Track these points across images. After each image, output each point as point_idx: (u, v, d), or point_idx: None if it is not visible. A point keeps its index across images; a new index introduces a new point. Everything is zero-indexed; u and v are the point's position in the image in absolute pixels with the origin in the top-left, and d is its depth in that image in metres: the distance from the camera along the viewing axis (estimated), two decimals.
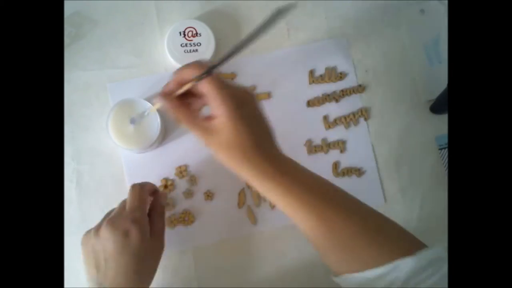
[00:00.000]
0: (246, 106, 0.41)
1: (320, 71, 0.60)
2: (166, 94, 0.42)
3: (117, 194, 0.56)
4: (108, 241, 0.44)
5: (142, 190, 0.48)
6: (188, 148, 0.58)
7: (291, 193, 0.41)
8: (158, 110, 0.51)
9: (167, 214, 0.56)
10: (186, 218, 0.56)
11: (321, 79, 0.60)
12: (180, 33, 0.57)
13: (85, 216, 0.55)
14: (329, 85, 0.60)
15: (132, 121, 0.53)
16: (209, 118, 0.41)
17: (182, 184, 0.57)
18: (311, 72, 0.60)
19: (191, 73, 0.40)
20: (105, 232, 0.44)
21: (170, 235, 0.56)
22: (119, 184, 0.56)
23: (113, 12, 0.59)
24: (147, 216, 0.47)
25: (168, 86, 0.42)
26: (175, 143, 0.57)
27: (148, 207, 0.49)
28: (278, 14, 0.37)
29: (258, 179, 0.41)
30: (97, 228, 0.45)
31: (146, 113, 0.52)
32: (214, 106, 0.40)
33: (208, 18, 0.58)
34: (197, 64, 0.41)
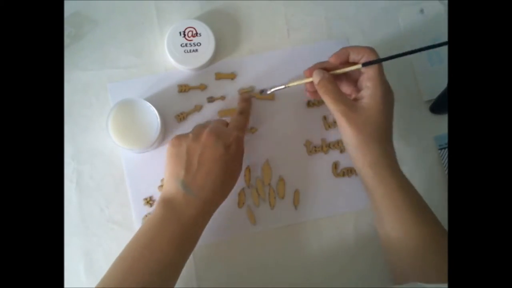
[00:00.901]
0: (390, 95, 0.47)
1: None
2: (323, 69, 0.47)
3: (117, 194, 0.56)
4: (210, 148, 0.46)
5: (248, 116, 0.53)
6: None
7: (399, 189, 0.45)
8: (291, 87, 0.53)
9: None
10: None
11: None
12: (180, 33, 0.57)
13: (85, 216, 0.55)
14: None
15: (264, 92, 0.55)
16: (355, 98, 0.47)
17: None
18: None
19: (358, 55, 0.46)
20: (209, 139, 0.46)
21: None
22: (119, 184, 0.56)
23: (113, 12, 0.59)
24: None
25: (330, 60, 0.48)
26: None
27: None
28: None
29: (380, 165, 0.45)
30: (198, 134, 0.47)
31: (279, 88, 0.53)
32: (370, 85, 0.45)
33: (208, 18, 0.58)
34: (369, 48, 0.46)
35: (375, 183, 0.46)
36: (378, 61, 0.45)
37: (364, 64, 0.45)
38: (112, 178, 0.56)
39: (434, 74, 0.61)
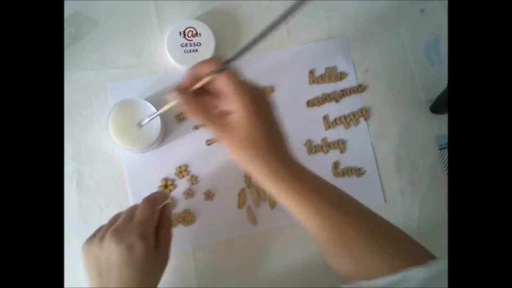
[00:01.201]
0: (262, 103, 0.41)
1: (320, 71, 0.60)
2: (181, 90, 0.41)
3: (117, 194, 0.56)
4: (111, 254, 0.42)
5: (154, 204, 0.47)
6: (188, 148, 0.58)
7: (302, 197, 0.41)
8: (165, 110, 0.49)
9: None
10: (186, 218, 0.56)
11: (321, 79, 0.60)
12: (180, 33, 0.57)
13: (85, 216, 0.55)
14: (329, 85, 0.60)
15: (139, 125, 0.52)
16: (224, 113, 0.40)
17: (182, 184, 0.57)
18: (311, 72, 0.60)
19: (208, 68, 0.39)
20: (109, 244, 0.42)
21: None
22: (119, 184, 0.56)
23: (113, 12, 0.59)
24: (153, 230, 0.45)
25: (183, 81, 0.41)
26: (175, 143, 0.57)
27: (156, 220, 0.47)
28: (297, 5, 0.36)
29: (270, 179, 0.41)
30: (101, 237, 0.44)
31: (153, 116, 0.50)
32: (231, 100, 0.39)
33: (208, 18, 0.58)
34: (213, 59, 0.40)
35: (278, 198, 0.42)
36: (225, 64, 0.39)
37: (209, 74, 0.39)
38: (112, 178, 0.56)
39: (434, 74, 0.61)
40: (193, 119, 0.54)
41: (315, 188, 0.43)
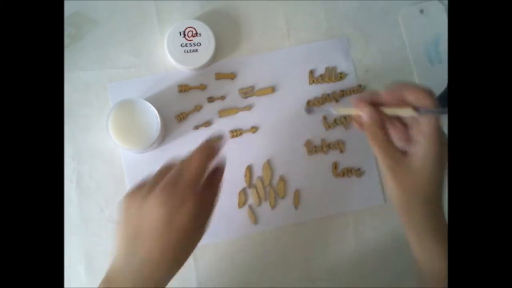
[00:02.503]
0: (445, 153, 0.38)
1: (320, 71, 0.60)
2: (372, 105, 0.38)
3: (117, 194, 0.56)
4: (157, 211, 0.36)
5: (208, 159, 0.39)
6: (188, 148, 0.57)
7: (441, 256, 0.39)
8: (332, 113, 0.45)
9: None
10: None
11: (321, 79, 0.60)
12: (180, 33, 0.57)
13: (85, 216, 0.55)
14: (329, 85, 0.60)
15: (309, 111, 0.50)
16: (405, 152, 0.38)
17: None
18: (311, 72, 0.60)
19: (417, 98, 0.36)
20: (156, 200, 0.36)
21: None
22: (119, 184, 0.56)
23: (113, 12, 0.59)
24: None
25: (380, 96, 0.38)
26: (175, 143, 0.57)
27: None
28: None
29: (424, 231, 0.39)
30: (148, 191, 0.37)
31: (333, 112, 0.44)
32: (424, 143, 0.36)
33: (208, 18, 0.58)
34: (429, 92, 0.37)
35: (416, 247, 0.41)
36: (437, 112, 0.36)
37: (419, 112, 0.36)
38: (112, 178, 0.56)
39: (434, 74, 0.61)
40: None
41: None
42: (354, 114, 0.40)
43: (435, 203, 0.39)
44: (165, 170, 0.40)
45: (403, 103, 0.37)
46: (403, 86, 0.38)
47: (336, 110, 0.43)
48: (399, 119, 0.39)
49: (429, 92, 0.37)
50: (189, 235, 0.38)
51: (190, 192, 0.37)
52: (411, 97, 0.37)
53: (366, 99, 0.38)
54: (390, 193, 0.39)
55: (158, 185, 0.37)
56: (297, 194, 0.58)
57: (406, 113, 0.37)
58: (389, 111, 0.38)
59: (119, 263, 0.39)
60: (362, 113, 0.38)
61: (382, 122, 0.38)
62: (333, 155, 0.59)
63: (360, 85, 0.60)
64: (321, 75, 0.60)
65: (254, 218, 0.57)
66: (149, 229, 0.37)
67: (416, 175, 0.37)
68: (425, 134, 0.36)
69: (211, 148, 0.41)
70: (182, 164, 0.40)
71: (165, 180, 0.38)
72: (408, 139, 0.39)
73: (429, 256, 0.40)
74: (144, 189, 0.38)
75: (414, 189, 0.38)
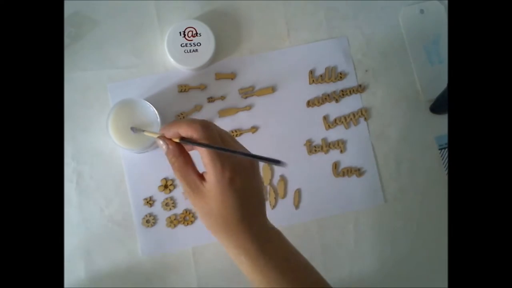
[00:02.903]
0: (242, 177, 0.38)
1: (320, 71, 0.60)
2: (167, 139, 0.39)
3: (117, 194, 0.56)
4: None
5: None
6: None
7: (261, 270, 0.40)
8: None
9: (167, 214, 0.56)
10: (187, 218, 0.56)
11: (321, 79, 0.60)
12: (180, 33, 0.57)
13: (85, 216, 0.55)
14: (329, 85, 0.60)
15: (133, 130, 0.51)
16: (203, 177, 0.39)
17: None
18: (311, 72, 0.60)
19: (190, 131, 0.37)
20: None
21: (170, 235, 0.56)
22: (119, 184, 0.56)
23: (113, 12, 0.59)
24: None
25: (168, 129, 0.39)
26: None
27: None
28: (272, 162, 0.36)
29: (234, 250, 0.40)
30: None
31: (145, 133, 0.48)
32: (207, 170, 0.37)
33: (208, 18, 0.58)
34: (196, 125, 0.37)
35: (246, 274, 0.42)
36: (199, 144, 0.37)
37: (182, 139, 0.38)
38: (112, 178, 0.56)
39: (434, 74, 0.61)
40: None
41: (284, 266, 0.41)
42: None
43: (239, 227, 0.39)
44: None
45: (178, 135, 0.38)
46: (178, 123, 0.39)
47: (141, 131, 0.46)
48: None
49: (202, 126, 0.37)
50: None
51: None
52: (184, 131, 0.38)
53: (168, 130, 0.39)
54: (200, 219, 0.40)
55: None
56: (297, 194, 0.58)
57: (175, 140, 0.39)
58: (173, 141, 0.39)
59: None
60: (158, 143, 0.40)
61: (178, 151, 0.39)
62: (333, 155, 0.59)
63: (360, 85, 0.60)
64: (321, 75, 0.60)
65: None
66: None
67: (210, 199, 0.38)
68: (205, 164, 0.37)
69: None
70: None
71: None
72: None
73: (251, 277, 0.41)
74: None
75: (212, 213, 0.38)
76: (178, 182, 0.57)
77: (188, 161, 0.39)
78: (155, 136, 0.41)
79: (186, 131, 0.38)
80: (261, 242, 0.40)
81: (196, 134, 0.37)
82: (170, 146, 0.39)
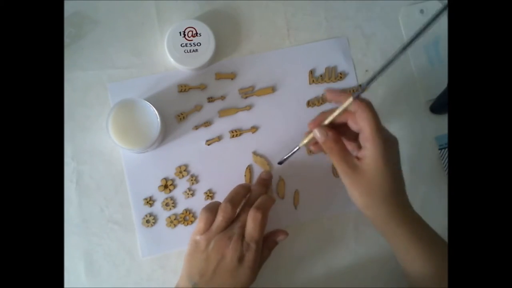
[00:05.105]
0: (392, 151, 0.43)
1: (320, 71, 0.60)
2: (321, 127, 0.44)
3: (117, 194, 0.56)
4: (227, 260, 0.46)
5: (266, 211, 0.49)
6: (188, 148, 0.58)
7: (419, 238, 0.44)
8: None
9: (167, 213, 0.56)
10: (187, 217, 0.56)
11: (321, 79, 0.60)
12: (180, 33, 0.57)
13: (85, 216, 0.55)
14: (329, 85, 0.60)
15: (280, 163, 0.53)
16: (358, 157, 0.43)
17: (182, 184, 0.57)
18: (311, 72, 0.60)
19: (340, 99, 0.43)
20: (229, 252, 0.46)
21: (170, 235, 0.56)
22: (119, 184, 0.56)
23: (113, 12, 0.59)
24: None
25: (320, 116, 0.45)
26: (175, 143, 0.57)
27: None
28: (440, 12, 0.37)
29: (392, 223, 0.44)
30: (219, 243, 0.47)
31: (293, 152, 0.50)
32: (368, 146, 0.41)
33: (208, 18, 0.58)
34: (345, 92, 0.44)
35: (389, 238, 0.46)
36: (360, 90, 0.42)
37: (355, 97, 0.42)
38: (112, 178, 0.56)
39: (434, 74, 0.61)
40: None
41: (426, 234, 0.45)
42: (311, 138, 0.46)
43: (396, 198, 0.43)
44: (226, 217, 0.48)
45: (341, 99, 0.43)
46: (329, 92, 0.45)
47: (299, 145, 0.49)
48: (348, 132, 0.45)
49: (345, 91, 0.44)
50: (246, 281, 0.47)
51: (254, 247, 0.47)
52: (339, 99, 0.44)
53: (316, 122, 0.45)
54: (352, 197, 0.44)
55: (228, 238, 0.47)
56: (297, 194, 0.58)
57: (344, 106, 0.43)
58: (330, 118, 0.44)
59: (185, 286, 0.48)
60: (315, 134, 0.44)
61: (336, 136, 0.44)
62: None
63: (360, 85, 0.60)
64: (321, 75, 0.60)
65: None
66: (216, 272, 0.46)
67: (369, 175, 0.42)
68: (367, 137, 0.41)
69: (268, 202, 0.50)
70: (240, 221, 0.49)
71: (236, 230, 0.48)
72: (359, 145, 0.45)
73: (410, 257, 0.45)
74: (213, 240, 0.47)
75: (370, 189, 0.42)
76: (176, 182, 0.57)
77: (344, 146, 0.44)
78: (310, 136, 0.46)
79: (338, 98, 0.43)
80: (408, 210, 0.45)
81: (361, 109, 0.42)
82: (329, 133, 0.44)
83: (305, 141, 0.47)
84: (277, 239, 0.52)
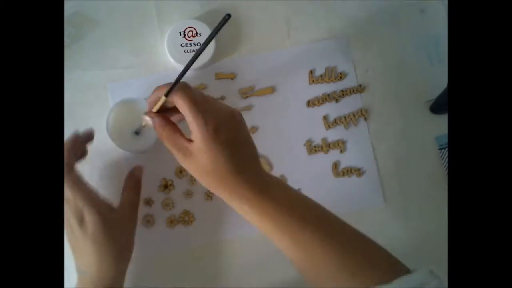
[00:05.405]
0: (225, 129, 0.40)
1: (320, 71, 0.60)
2: (152, 113, 0.43)
3: (117, 194, 0.56)
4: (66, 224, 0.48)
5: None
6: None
7: (266, 215, 0.41)
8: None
9: (167, 214, 0.56)
10: (186, 218, 0.56)
11: (321, 79, 0.60)
12: (180, 33, 0.57)
13: None
14: (329, 85, 0.60)
15: (137, 131, 0.52)
16: (191, 140, 0.41)
17: (182, 184, 0.57)
18: (311, 72, 0.60)
19: (164, 90, 0.41)
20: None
21: (170, 235, 0.56)
22: (119, 184, 0.56)
23: (113, 12, 0.59)
24: (94, 194, 0.48)
25: (153, 96, 0.44)
26: None
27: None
28: (225, 20, 0.40)
29: (235, 201, 0.41)
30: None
31: (144, 125, 0.49)
32: (192, 127, 0.40)
33: (208, 18, 0.58)
34: (166, 84, 0.42)
35: (246, 218, 0.43)
36: (172, 87, 0.41)
37: (166, 94, 0.41)
38: (112, 178, 0.56)
39: (434, 74, 0.61)
40: None
41: (282, 203, 0.42)
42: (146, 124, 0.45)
43: (236, 177, 0.40)
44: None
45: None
46: (155, 89, 0.44)
47: (144, 124, 0.47)
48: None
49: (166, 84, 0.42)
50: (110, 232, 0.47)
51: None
52: (161, 91, 0.42)
53: (150, 105, 0.44)
54: (197, 179, 0.42)
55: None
56: None
57: (159, 103, 0.43)
58: (154, 108, 0.43)
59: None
60: (146, 120, 0.44)
61: (163, 122, 0.42)
62: (333, 155, 0.59)
63: (360, 85, 0.60)
64: (321, 75, 0.60)
65: None
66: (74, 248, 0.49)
67: (200, 157, 0.40)
68: (190, 122, 0.40)
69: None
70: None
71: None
72: None
73: (255, 222, 0.42)
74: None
75: (206, 170, 0.40)
76: (176, 182, 0.57)
77: (175, 130, 0.42)
78: (145, 117, 0.44)
79: (161, 92, 0.42)
80: (260, 188, 0.41)
81: (176, 98, 0.40)
82: (156, 119, 0.43)
83: (143, 123, 0.47)
84: (136, 176, 0.53)
